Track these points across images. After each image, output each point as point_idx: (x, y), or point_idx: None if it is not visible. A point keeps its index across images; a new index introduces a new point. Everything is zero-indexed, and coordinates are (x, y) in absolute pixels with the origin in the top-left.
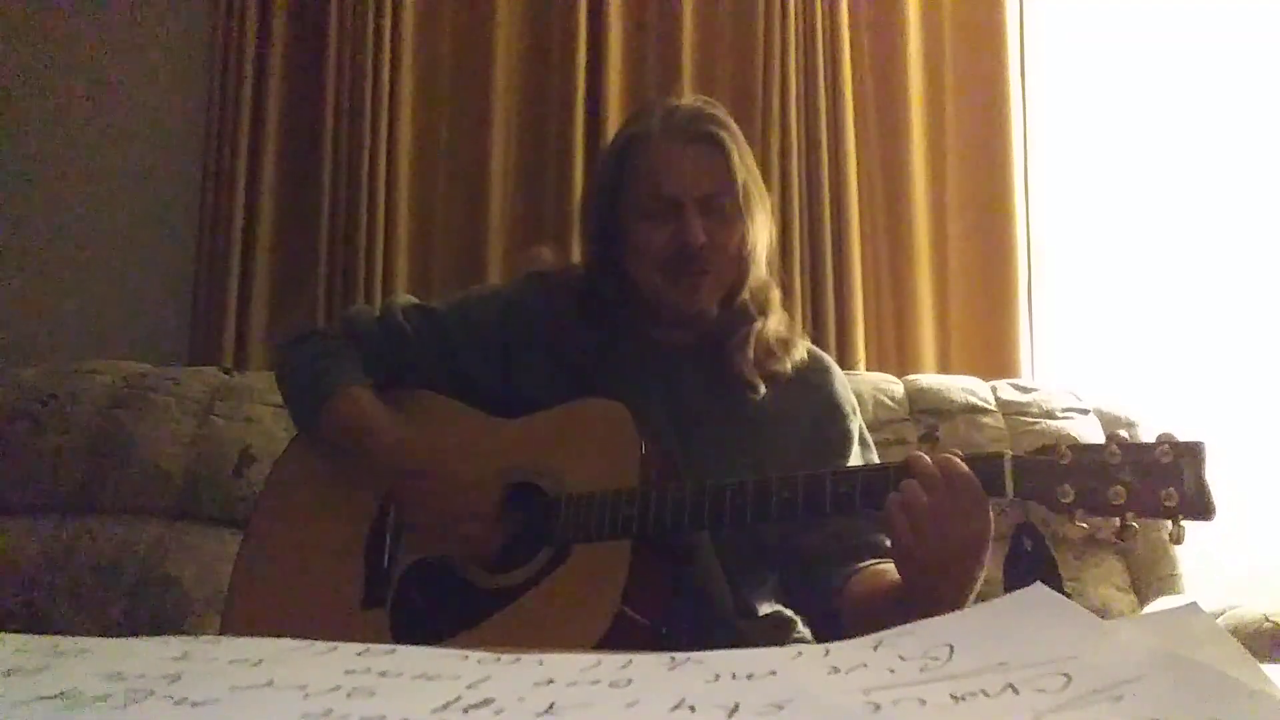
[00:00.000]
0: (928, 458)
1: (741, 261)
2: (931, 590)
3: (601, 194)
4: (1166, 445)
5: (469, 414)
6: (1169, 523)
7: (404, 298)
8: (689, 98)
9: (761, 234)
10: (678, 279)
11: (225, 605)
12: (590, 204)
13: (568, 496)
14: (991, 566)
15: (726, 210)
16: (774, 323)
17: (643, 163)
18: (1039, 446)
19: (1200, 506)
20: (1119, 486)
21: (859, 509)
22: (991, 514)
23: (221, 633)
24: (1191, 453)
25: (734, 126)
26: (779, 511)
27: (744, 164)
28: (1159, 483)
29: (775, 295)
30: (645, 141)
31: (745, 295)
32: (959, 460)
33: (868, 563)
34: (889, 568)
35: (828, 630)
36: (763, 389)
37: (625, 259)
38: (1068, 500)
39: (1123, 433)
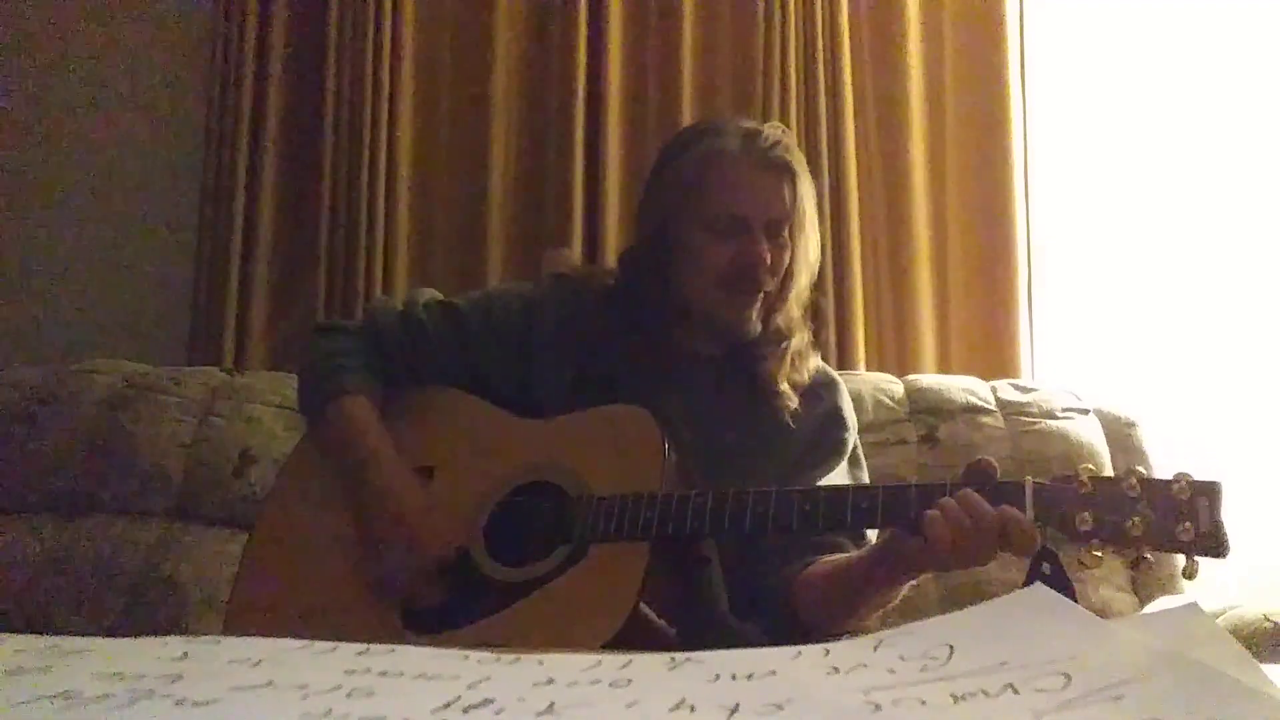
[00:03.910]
0: (974, 500)
1: (788, 281)
2: (901, 575)
3: (667, 197)
4: (1184, 482)
5: (490, 412)
6: (1183, 557)
7: (428, 293)
8: (765, 124)
9: (812, 255)
10: (733, 295)
11: (233, 589)
12: (652, 202)
13: (588, 497)
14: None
15: (785, 235)
16: (798, 340)
17: (720, 179)
18: (1059, 475)
19: (1215, 544)
20: (1136, 518)
21: (879, 526)
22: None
23: (226, 614)
24: (1208, 491)
25: (801, 155)
26: (800, 523)
27: (809, 193)
28: (1175, 518)
29: (799, 312)
30: (725, 159)
31: (780, 316)
32: (1017, 514)
33: (821, 558)
34: (838, 555)
35: (775, 623)
36: (796, 401)
37: (676, 264)
38: (1086, 528)
39: (1138, 468)
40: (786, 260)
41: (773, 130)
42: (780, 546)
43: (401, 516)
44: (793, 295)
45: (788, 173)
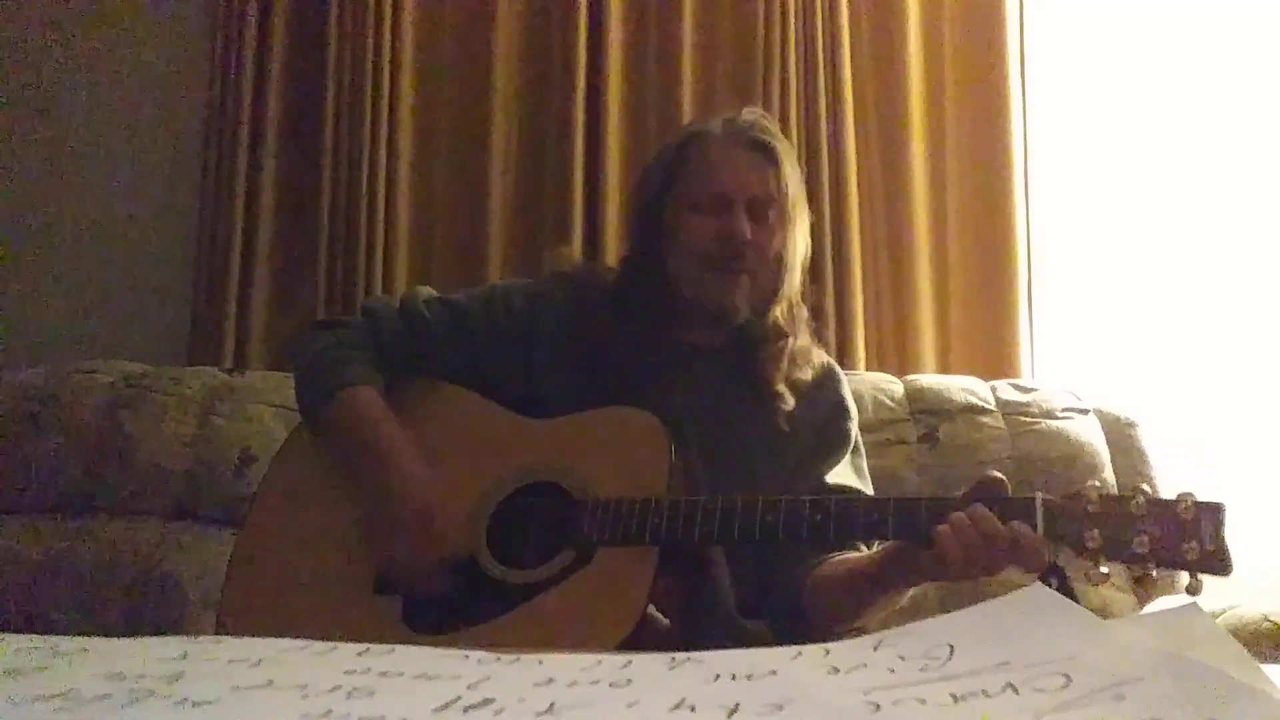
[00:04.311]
0: (999, 525)
1: (779, 269)
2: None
3: (654, 184)
4: (1189, 502)
5: (491, 409)
6: (1187, 575)
7: (425, 290)
8: (747, 110)
9: (800, 245)
10: (717, 272)
11: (223, 590)
12: (641, 193)
13: (595, 500)
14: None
15: (771, 217)
16: (802, 340)
17: (699, 158)
18: (1068, 493)
19: (1218, 562)
20: (1143, 536)
21: (890, 539)
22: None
23: (217, 617)
24: (1212, 511)
25: (786, 142)
26: (810, 534)
27: (793, 176)
28: (1181, 537)
29: (804, 314)
30: (704, 140)
31: (779, 310)
32: (1028, 531)
33: (832, 556)
34: (847, 554)
35: (785, 621)
36: (792, 403)
37: (666, 251)
38: (1094, 545)
39: (1144, 487)
40: (776, 244)
41: (752, 113)
42: (792, 545)
43: (424, 507)
44: (787, 286)
45: (768, 152)
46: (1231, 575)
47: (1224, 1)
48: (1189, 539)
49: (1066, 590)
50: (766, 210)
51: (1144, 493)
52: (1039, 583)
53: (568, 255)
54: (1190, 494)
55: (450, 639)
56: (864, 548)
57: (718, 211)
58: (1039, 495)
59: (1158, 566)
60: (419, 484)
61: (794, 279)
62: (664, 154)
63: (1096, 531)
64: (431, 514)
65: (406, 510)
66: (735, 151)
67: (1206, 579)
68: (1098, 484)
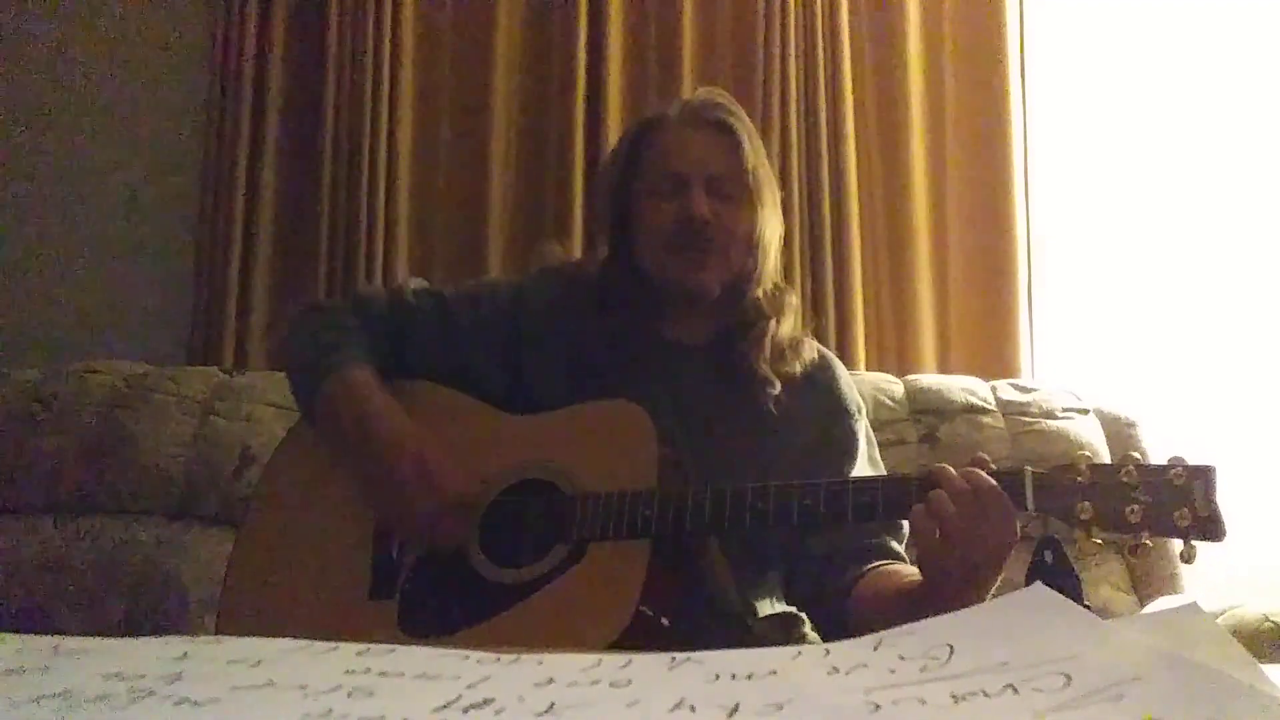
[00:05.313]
0: (953, 471)
1: (749, 247)
2: (953, 596)
3: (614, 178)
4: (1180, 468)
5: (480, 409)
6: (1180, 542)
7: (415, 281)
8: (704, 90)
9: (771, 223)
10: (682, 255)
11: (222, 596)
12: (603, 188)
13: (585, 495)
14: (1011, 571)
15: (735, 194)
16: (786, 326)
17: (655, 145)
18: (1057, 465)
19: (1212, 528)
20: (1135, 505)
21: (880, 518)
22: (1017, 525)
23: (218, 622)
24: (1203, 476)
25: (747, 119)
26: (801, 518)
27: (755, 154)
28: (1172, 503)
29: (792, 300)
30: (659, 125)
31: (758, 292)
32: (985, 474)
33: (876, 564)
34: (898, 569)
35: (836, 632)
36: (779, 387)
37: (635, 243)
38: (1086, 517)
39: (1134, 454)
40: (744, 223)
41: (708, 93)
42: (830, 551)
43: (421, 456)
44: (762, 267)
45: (725, 130)
46: (1224, 541)
47: (1224, 1)
48: (1181, 505)
49: (1063, 561)
50: (727, 188)
51: (1134, 460)
52: (1040, 582)
53: (554, 251)
54: (1181, 458)
55: (444, 642)
56: (895, 543)
57: (677, 193)
58: (1028, 469)
59: (1151, 535)
60: (413, 439)
61: (769, 259)
62: (622, 145)
63: (1088, 503)
64: (427, 460)
65: (403, 461)
66: (691, 132)
67: (1202, 546)
68: (1088, 454)
